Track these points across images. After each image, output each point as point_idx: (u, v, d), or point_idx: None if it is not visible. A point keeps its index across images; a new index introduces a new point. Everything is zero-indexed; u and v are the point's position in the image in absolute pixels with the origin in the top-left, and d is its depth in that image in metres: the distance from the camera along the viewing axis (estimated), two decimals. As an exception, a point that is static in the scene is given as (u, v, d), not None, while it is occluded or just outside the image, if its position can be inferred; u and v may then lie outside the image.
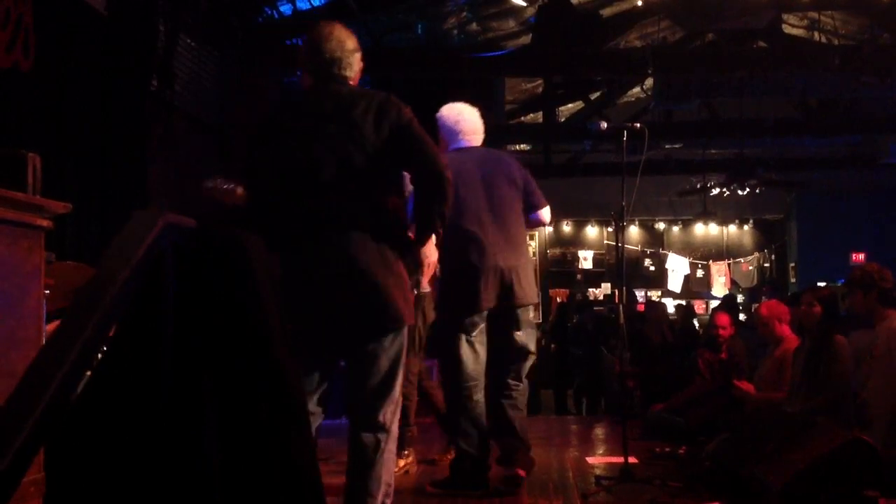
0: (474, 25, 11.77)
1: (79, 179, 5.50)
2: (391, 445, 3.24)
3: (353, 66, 3.29)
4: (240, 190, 3.76)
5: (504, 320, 4.60)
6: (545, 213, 4.82)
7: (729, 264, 17.02)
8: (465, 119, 4.68)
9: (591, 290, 16.27)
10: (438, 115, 4.61)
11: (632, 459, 5.00)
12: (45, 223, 2.47)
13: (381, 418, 3.17)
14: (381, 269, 3.09)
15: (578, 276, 16.82)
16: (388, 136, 3.13)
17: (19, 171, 2.45)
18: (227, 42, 8.15)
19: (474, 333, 4.52)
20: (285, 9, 9.31)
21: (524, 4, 10.14)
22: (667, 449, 5.81)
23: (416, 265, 3.51)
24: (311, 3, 9.49)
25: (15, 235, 2.37)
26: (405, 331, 3.22)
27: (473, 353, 4.52)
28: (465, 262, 4.45)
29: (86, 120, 5.69)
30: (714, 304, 14.82)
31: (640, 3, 9.26)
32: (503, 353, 4.64)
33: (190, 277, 1.73)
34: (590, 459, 5.74)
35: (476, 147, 4.70)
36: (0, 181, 2.33)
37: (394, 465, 3.34)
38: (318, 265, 3.09)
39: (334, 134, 3.12)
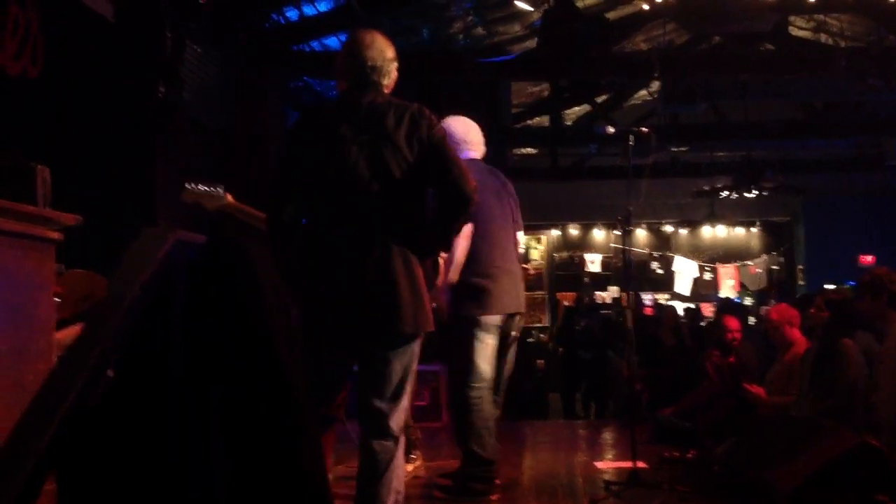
0: (480, 29, 11.78)
1: (86, 184, 5.52)
2: (400, 452, 3.24)
3: (391, 74, 3.33)
4: (228, 196, 3.79)
5: (505, 326, 4.71)
6: (521, 236, 4.98)
7: (737, 267, 16.98)
8: (472, 131, 4.82)
9: (598, 293, 16.23)
10: (446, 124, 4.63)
11: (640, 464, 4.99)
12: (54, 235, 2.48)
13: (391, 425, 3.18)
14: (403, 277, 3.12)
15: (585, 280, 16.79)
16: (418, 149, 3.16)
17: (29, 184, 2.46)
18: (232, 47, 8.16)
19: (490, 335, 4.57)
20: (291, 14, 9.33)
21: (530, 9, 10.14)
22: (675, 453, 5.80)
23: (436, 275, 3.54)
24: (317, 9, 9.51)
25: (25, 248, 2.38)
26: (419, 340, 3.24)
27: (489, 355, 4.58)
28: (491, 266, 4.58)
29: (93, 125, 5.71)
30: (714, 306, 14.79)
31: (645, 7, 9.25)
32: (498, 358, 4.75)
33: (198, 290, 1.75)
34: (598, 464, 5.74)
35: (481, 160, 4.81)
36: (9, 194, 2.34)
37: (403, 471, 3.35)
38: (342, 268, 3.11)
39: (369, 141, 3.15)
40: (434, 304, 3.56)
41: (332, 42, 9.90)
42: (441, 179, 3.19)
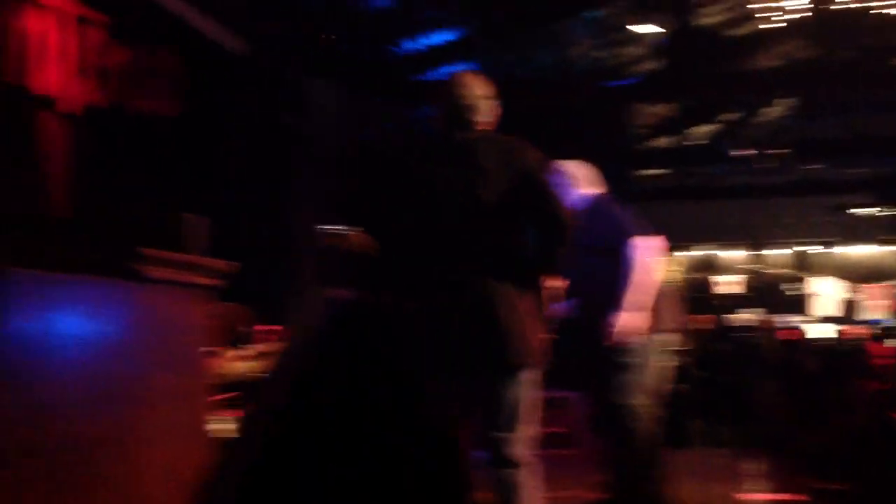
0: (599, 53, 11.72)
1: (225, 212, 5.71)
2: (530, 480, 3.24)
3: (486, 112, 3.41)
4: (355, 236, 3.89)
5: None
6: None
7: (887, 287, 16.21)
8: (589, 170, 4.75)
9: (733, 315, 15.77)
10: (561, 165, 4.63)
11: (786, 496, 4.81)
12: (209, 281, 2.56)
13: (511, 454, 3.21)
14: (504, 308, 3.16)
15: (719, 302, 16.36)
16: (513, 181, 3.21)
17: (179, 232, 2.55)
18: (358, 78, 8.36)
19: (659, 353, 4.52)
20: (414, 45, 9.49)
21: (650, 31, 10.05)
22: (824, 484, 5.56)
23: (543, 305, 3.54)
24: (436, 39, 9.65)
25: (178, 295, 2.47)
26: (530, 370, 3.26)
27: (656, 375, 4.52)
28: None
29: (231, 158, 5.92)
30: (866, 329, 14.16)
31: (771, 25, 9.03)
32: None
33: (349, 342, 1.85)
34: (740, 496, 5.55)
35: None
36: (163, 242, 2.43)
37: (537, 499, 3.33)
38: (444, 302, 3.18)
39: (462, 176, 3.22)
40: (544, 334, 3.54)
41: (452, 71, 9.99)
42: (537, 209, 3.24)
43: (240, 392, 4.18)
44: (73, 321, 2.23)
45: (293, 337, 1.71)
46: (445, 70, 10.00)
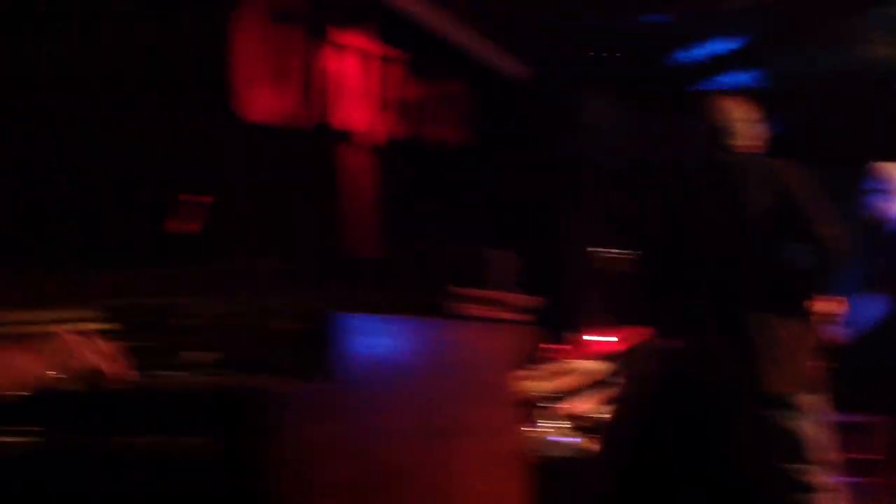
0: (892, 50, 10.96)
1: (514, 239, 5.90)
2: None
3: (743, 134, 3.43)
4: (625, 257, 3.93)
5: None
6: None
7: None
8: None
9: None
10: (891, 169, 4.43)
11: None
12: (514, 316, 2.70)
13: (805, 481, 3.15)
14: (765, 336, 3.12)
15: None
16: (773, 204, 3.17)
17: (487, 268, 2.70)
18: (634, 93, 8.33)
19: None
20: (689, 55, 9.31)
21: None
22: None
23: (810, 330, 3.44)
24: (715, 48, 9.41)
25: (487, 330, 2.61)
26: (805, 395, 3.20)
27: None
28: None
29: (521, 184, 6.10)
30: None
31: None
32: None
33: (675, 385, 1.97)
34: None
35: None
36: (469, 278, 2.58)
37: None
38: (703, 328, 3.18)
39: (721, 201, 3.24)
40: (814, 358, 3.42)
41: (730, 80, 9.73)
42: (801, 231, 3.17)
43: (532, 411, 4.35)
44: (391, 360, 2.36)
45: (630, 381, 1.81)
46: (724, 79, 9.74)
